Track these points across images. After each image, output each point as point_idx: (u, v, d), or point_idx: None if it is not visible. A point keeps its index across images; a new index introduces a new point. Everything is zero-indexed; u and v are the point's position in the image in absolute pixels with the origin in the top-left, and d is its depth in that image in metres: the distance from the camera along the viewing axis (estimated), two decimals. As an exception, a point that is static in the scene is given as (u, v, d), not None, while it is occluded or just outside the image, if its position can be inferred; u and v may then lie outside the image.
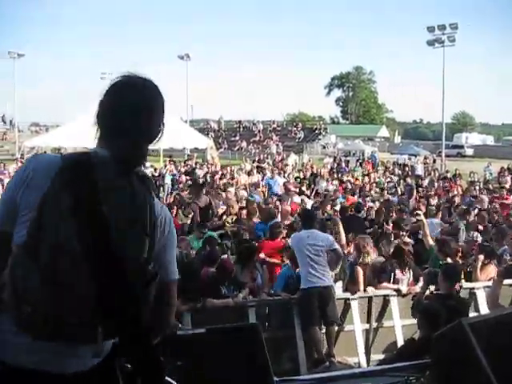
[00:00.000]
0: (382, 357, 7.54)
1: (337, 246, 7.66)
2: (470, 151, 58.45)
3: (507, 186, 20.63)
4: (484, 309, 7.96)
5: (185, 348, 3.30)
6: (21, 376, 2.06)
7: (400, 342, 7.65)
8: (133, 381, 2.13)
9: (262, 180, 20.88)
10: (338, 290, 8.00)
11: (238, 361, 3.42)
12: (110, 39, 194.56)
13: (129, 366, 2.13)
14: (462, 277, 7.89)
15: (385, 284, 8.02)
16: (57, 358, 2.05)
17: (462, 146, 60.30)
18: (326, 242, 7.54)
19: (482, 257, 8.11)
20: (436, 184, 20.38)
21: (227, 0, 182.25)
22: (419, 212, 9.32)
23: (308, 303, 7.35)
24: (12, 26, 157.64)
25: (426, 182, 21.16)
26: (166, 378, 2.32)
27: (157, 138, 2.23)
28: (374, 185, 19.12)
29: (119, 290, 2.01)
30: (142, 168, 2.30)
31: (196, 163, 27.19)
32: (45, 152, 30.21)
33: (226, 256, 8.31)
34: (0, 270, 2.02)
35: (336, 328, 7.61)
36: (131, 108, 2.14)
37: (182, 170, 25.23)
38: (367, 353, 7.57)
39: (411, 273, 8.14)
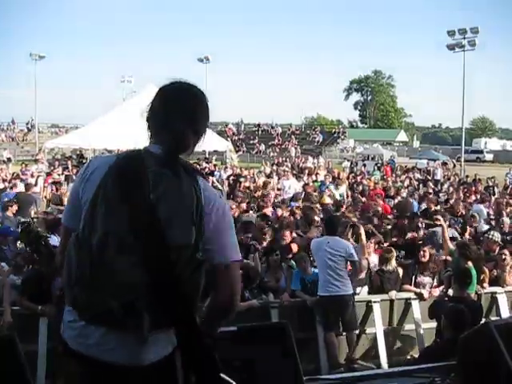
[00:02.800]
0: (402, 359, 7.59)
1: (356, 258, 7.56)
2: (489, 156, 58.05)
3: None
4: (505, 313, 7.97)
5: (216, 346, 3.36)
6: (77, 359, 2.21)
7: (421, 345, 7.69)
8: (187, 377, 2.19)
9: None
10: (363, 293, 8.03)
11: (269, 359, 3.48)
12: (131, 42, 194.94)
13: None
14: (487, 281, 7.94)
15: (407, 286, 8.05)
16: (107, 346, 2.14)
17: (481, 151, 59.95)
18: (347, 251, 7.46)
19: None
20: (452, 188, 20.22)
21: (248, 3, 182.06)
22: (438, 217, 9.28)
23: (325, 310, 7.41)
24: (34, 28, 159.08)
25: (445, 187, 20.98)
26: (223, 375, 2.28)
27: (197, 138, 2.41)
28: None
29: (165, 277, 2.10)
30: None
31: (215, 165, 27.22)
32: (67, 154, 30.55)
33: (253, 256, 8.30)
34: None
35: (356, 332, 7.65)
36: (178, 110, 2.33)
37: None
38: (388, 355, 7.58)
39: (436, 276, 8.15)
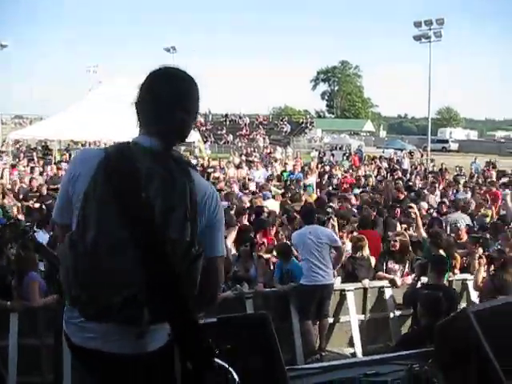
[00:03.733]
0: (377, 347, 7.64)
1: (339, 244, 7.71)
2: (454, 146, 58.95)
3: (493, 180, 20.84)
4: (475, 300, 8.08)
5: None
6: (80, 352, 2.27)
7: (395, 333, 7.76)
8: (184, 364, 2.20)
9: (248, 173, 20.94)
10: (337, 282, 8.05)
11: (250, 350, 3.45)
12: (95, 31, 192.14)
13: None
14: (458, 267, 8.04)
15: (381, 274, 8.12)
16: (108, 339, 2.18)
17: (446, 141, 60.79)
18: (330, 238, 7.56)
19: (480, 250, 8.21)
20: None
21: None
22: (412, 204, 9.40)
23: (306, 299, 7.43)
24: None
25: (417, 178, 21.24)
26: (217, 360, 2.35)
27: (191, 125, 2.38)
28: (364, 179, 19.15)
29: (163, 273, 2.09)
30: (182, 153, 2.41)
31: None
32: (39, 144, 29.99)
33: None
34: None
35: (330, 320, 7.70)
36: (168, 96, 2.25)
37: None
38: (363, 343, 7.63)
39: (407, 264, 8.22)
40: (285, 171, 21.28)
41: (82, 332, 2.21)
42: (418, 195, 14.52)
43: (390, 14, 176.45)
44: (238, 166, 23.18)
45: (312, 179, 18.47)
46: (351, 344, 7.72)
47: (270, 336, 3.58)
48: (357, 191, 15.59)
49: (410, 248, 8.46)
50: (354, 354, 7.48)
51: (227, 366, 2.42)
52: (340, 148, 43.40)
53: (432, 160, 32.70)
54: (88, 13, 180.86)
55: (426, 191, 15.77)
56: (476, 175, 24.21)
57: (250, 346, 3.48)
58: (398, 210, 11.29)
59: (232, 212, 10.17)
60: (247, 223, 9.85)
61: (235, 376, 2.48)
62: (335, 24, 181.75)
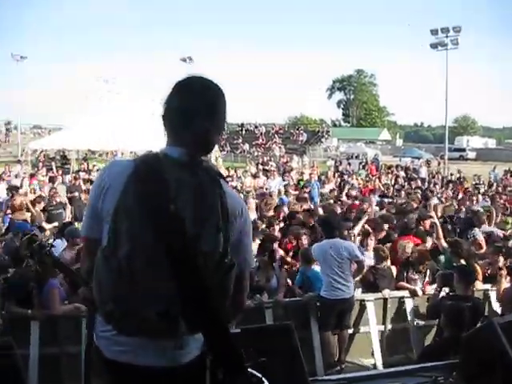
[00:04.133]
0: (397, 358, 7.57)
1: (360, 257, 7.62)
2: (472, 154, 58.53)
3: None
4: (497, 310, 7.98)
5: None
6: (112, 366, 2.23)
7: (415, 344, 7.68)
8: (215, 374, 2.20)
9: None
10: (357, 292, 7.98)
11: (274, 360, 3.43)
12: (112, 43, 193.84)
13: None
14: (481, 278, 7.93)
15: (401, 284, 8.05)
16: (142, 352, 2.18)
17: (463, 149, 60.41)
18: (350, 253, 7.45)
19: (501, 258, 8.12)
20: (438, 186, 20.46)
21: (232, 3, 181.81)
22: (432, 214, 9.31)
23: (326, 312, 7.37)
24: (16, 29, 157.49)
25: (437, 187, 21.08)
26: (250, 370, 2.33)
27: (217, 136, 2.34)
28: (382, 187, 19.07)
29: (194, 286, 2.07)
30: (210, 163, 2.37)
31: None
32: (63, 153, 30.19)
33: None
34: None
35: (350, 331, 7.64)
36: (193, 105, 2.24)
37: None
38: (383, 354, 7.56)
39: (427, 273, 8.14)
40: (301, 180, 21.25)
41: (115, 345, 2.21)
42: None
43: (407, 22, 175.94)
44: (254, 176, 23.18)
45: (329, 187, 18.44)
46: (371, 355, 7.63)
47: (294, 346, 3.57)
48: (377, 199, 15.49)
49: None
50: (374, 365, 7.41)
51: (260, 375, 2.39)
52: (356, 157, 43.33)
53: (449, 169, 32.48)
54: (100, 26, 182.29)
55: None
56: (495, 184, 24.00)
57: (273, 357, 3.46)
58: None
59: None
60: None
61: None
62: (351, 32, 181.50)
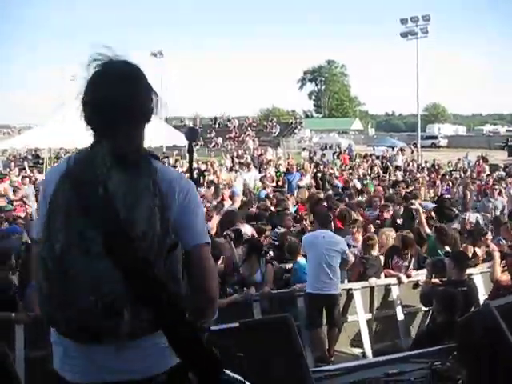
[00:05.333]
0: (385, 346, 7.59)
1: (348, 253, 7.63)
2: (443, 142, 59.17)
3: (486, 173, 20.98)
4: (482, 294, 8.04)
5: (220, 343, 3.25)
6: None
7: (403, 331, 7.72)
8: (185, 378, 2.05)
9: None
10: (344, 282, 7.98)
11: (274, 352, 3.39)
12: (81, 34, 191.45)
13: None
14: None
15: (388, 271, 8.07)
16: (92, 365, 2.06)
17: (436, 137, 61.05)
18: (342, 247, 7.48)
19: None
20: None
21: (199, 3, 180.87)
22: (413, 201, 9.37)
23: (311, 307, 7.34)
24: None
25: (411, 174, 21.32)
26: (229, 372, 2.12)
27: (146, 122, 2.24)
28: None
29: (140, 273, 1.94)
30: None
31: (176, 160, 26.91)
32: (21, 153, 29.76)
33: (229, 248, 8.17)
34: None
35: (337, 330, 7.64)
36: (111, 100, 2.10)
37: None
38: (372, 342, 7.57)
39: (413, 260, 8.17)
40: (278, 171, 21.25)
41: (66, 360, 2.12)
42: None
43: (376, 12, 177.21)
44: (230, 169, 23.09)
45: (307, 179, 18.42)
46: (359, 343, 7.64)
47: (294, 338, 3.53)
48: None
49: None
50: (363, 354, 7.42)
51: (241, 378, 2.17)
52: (330, 147, 43.45)
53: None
54: (69, 17, 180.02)
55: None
56: (469, 170, 24.27)
57: (273, 349, 3.42)
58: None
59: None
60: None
61: None
62: (321, 23, 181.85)
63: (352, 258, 7.72)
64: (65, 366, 2.11)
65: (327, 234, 7.52)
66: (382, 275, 8.15)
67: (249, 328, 3.60)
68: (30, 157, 32.26)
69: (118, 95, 2.09)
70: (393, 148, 38.23)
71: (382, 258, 8.32)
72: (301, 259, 7.88)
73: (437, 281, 6.92)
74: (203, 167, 22.94)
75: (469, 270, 8.22)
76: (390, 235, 8.72)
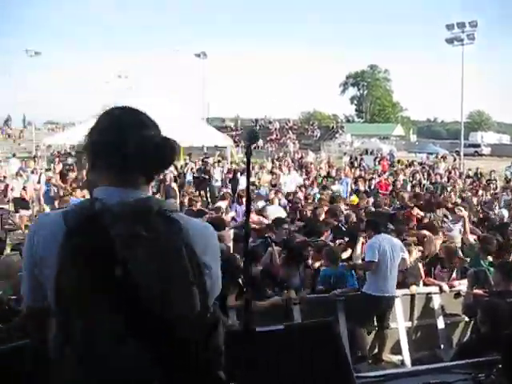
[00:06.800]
0: (423, 355, 7.51)
1: (406, 255, 7.67)
2: (486, 150, 58.08)
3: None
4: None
5: (264, 345, 3.27)
6: None
7: (443, 340, 7.64)
8: None
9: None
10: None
11: (318, 356, 3.40)
12: (126, 37, 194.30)
13: None
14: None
15: (429, 280, 8.00)
16: None
17: (478, 145, 59.89)
18: (402, 248, 7.56)
19: None
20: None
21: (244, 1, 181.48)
22: (461, 208, 9.24)
23: (369, 308, 7.44)
24: (30, 24, 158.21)
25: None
26: None
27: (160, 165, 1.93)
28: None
29: (181, 362, 1.71)
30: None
31: (219, 161, 27.02)
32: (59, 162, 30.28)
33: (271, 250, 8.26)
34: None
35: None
36: (117, 133, 1.86)
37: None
38: (410, 350, 7.52)
39: (455, 270, 8.08)
40: (320, 175, 21.24)
41: None
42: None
43: (422, 17, 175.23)
44: (271, 171, 23.14)
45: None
46: (398, 351, 7.60)
47: (338, 343, 3.53)
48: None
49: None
50: (402, 362, 7.38)
51: None
52: (371, 153, 43.17)
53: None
54: (114, 21, 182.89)
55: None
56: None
57: (317, 353, 3.43)
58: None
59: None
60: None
61: None
62: (365, 28, 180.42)
63: (408, 262, 7.71)
64: None
65: (388, 239, 7.57)
66: (421, 283, 8.10)
67: (293, 331, 3.62)
68: (73, 153, 32.81)
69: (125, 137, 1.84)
70: (433, 155, 37.73)
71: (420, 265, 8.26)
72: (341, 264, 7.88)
73: (480, 292, 6.81)
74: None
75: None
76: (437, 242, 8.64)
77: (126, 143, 1.80)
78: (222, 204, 12.52)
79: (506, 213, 11.97)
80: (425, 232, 9.06)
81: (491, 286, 6.89)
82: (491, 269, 7.70)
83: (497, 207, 14.49)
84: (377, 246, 7.41)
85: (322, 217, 10.90)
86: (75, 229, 1.72)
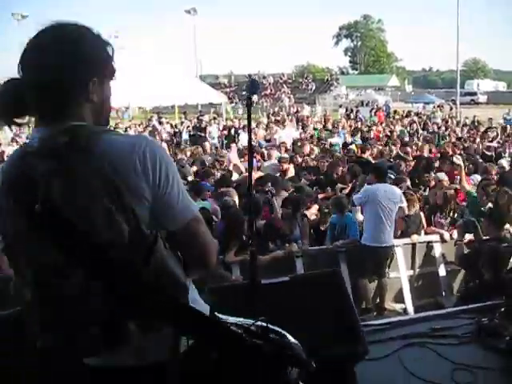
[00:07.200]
0: (427, 302, 7.61)
1: (404, 204, 7.67)
2: (483, 98, 57.77)
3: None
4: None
5: (272, 296, 3.29)
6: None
7: (445, 288, 7.72)
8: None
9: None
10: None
11: (324, 305, 3.43)
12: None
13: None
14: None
15: (430, 228, 8.06)
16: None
17: (475, 93, 59.58)
18: (401, 198, 7.54)
19: None
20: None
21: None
22: (458, 156, 9.24)
23: (367, 259, 7.45)
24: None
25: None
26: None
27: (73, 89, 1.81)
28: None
29: (121, 282, 1.69)
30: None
31: (214, 118, 26.89)
32: None
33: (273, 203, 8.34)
34: None
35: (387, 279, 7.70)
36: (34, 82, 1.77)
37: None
38: (413, 299, 7.60)
39: (456, 216, 8.13)
40: (316, 129, 21.14)
41: None
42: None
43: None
44: (266, 128, 23.04)
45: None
46: (401, 299, 7.69)
47: (344, 292, 3.56)
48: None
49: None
50: (404, 310, 7.47)
51: (279, 329, 2.01)
52: (367, 104, 42.93)
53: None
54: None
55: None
56: (510, 126, 23.74)
57: (323, 303, 3.46)
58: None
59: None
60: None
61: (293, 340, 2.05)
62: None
63: (407, 211, 7.76)
64: None
65: (387, 187, 7.56)
66: (422, 232, 8.14)
67: (299, 282, 3.65)
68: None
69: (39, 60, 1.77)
70: (429, 104, 37.54)
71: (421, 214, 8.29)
72: (349, 214, 7.93)
73: (471, 238, 6.87)
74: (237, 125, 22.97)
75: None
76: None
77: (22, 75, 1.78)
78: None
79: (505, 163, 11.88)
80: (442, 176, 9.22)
81: (480, 235, 6.95)
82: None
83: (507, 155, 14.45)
84: (369, 194, 7.45)
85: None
86: (3, 173, 1.79)
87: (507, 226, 7.90)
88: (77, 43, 1.78)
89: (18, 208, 1.70)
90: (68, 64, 1.75)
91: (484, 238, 6.90)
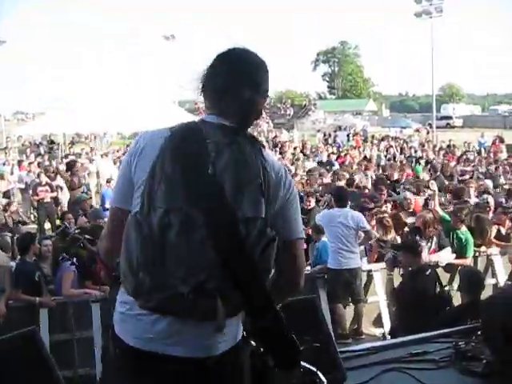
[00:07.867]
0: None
1: (368, 227, 7.71)
2: (458, 122, 58.55)
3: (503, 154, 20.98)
4: (501, 274, 8.05)
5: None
6: (132, 356, 1.98)
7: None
8: (264, 363, 2.04)
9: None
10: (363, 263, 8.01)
11: (301, 333, 3.41)
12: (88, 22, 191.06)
13: (258, 347, 2.04)
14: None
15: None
16: (172, 340, 1.94)
17: (450, 117, 60.33)
18: (358, 223, 7.54)
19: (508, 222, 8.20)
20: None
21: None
22: (433, 182, 9.39)
23: (333, 283, 7.46)
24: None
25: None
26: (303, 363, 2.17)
27: (259, 105, 2.21)
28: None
29: (237, 257, 1.89)
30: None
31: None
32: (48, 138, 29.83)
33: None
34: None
35: (364, 304, 7.69)
36: (242, 72, 2.16)
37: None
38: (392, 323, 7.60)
39: (434, 240, 8.16)
40: (294, 154, 21.28)
41: (140, 331, 1.96)
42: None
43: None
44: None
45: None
46: (379, 324, 7.69)
47: (321, 319, 3.56)
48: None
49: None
50: (383, 335, 7.46)
51: (314, 369, 2.25)
52: (344, 129, 43.28)
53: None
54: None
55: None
56: (483, 150, 24.14)
57: (300, 330, 3.45)
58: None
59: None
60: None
61: (323, 379, 2.32)
62: (333, 3, 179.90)
63: (373, 233, 7.78)
64: (137, 333, 1.96)
65: (344, 212, 7.60)
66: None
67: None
68: (44, 143, 32.31)
69: (251, 66, 2.22)
70: (406, 128, 37.96)
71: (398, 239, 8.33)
72: (324, 238, 7.96)
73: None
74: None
75: (489, 251, 8.27)
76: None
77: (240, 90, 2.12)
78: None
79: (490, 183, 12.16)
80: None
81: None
82: (469, 235, 7.87)
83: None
84: (326, 216, 7.64)
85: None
86: (177, 133, 2.02)
87: (483, 248, 8.05)
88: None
89: (180, 162, 1.94)
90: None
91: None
